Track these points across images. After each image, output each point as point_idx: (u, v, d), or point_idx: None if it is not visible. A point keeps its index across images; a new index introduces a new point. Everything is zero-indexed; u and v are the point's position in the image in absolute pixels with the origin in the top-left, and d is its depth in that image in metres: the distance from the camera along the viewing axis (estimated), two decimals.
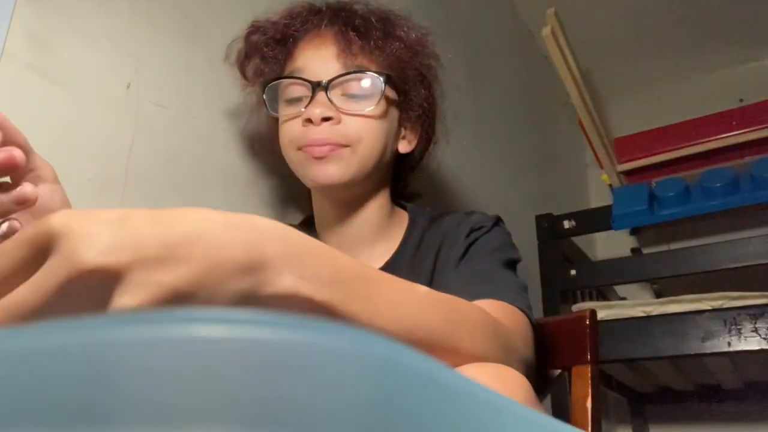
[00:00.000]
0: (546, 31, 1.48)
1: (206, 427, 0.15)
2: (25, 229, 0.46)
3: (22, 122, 0.64)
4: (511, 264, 0.70)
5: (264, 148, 0.89)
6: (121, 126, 0.74)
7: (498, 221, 0.75)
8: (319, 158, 0.69)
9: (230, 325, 0.16)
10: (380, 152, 0.73)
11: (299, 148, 0.71)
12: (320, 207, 0.80)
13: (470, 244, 0.71)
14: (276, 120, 0.77)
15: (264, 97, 0.75)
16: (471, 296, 0.61)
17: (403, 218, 0.80)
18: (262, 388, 0.16)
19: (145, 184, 0.76)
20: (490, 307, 0.59)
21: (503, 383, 0.43)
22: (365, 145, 0.70)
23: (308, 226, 0.83)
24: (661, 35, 2.11)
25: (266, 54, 0.77)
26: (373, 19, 0.74)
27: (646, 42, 2.15)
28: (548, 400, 1.38)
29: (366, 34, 0.72)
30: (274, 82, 0.75)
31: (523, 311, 0.62)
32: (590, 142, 1.83)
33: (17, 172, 0.46)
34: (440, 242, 0.74)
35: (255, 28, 0.79)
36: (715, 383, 1.83)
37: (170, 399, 0.15)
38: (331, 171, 0.70)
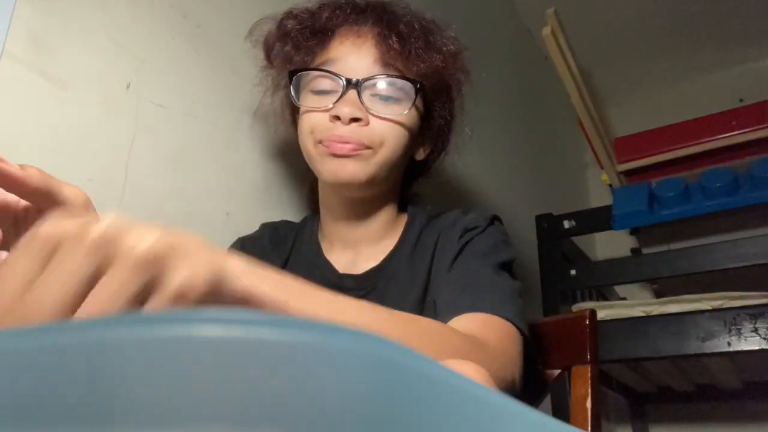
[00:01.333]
0: (546, 31, 1.48)
1: (206, 427, 0.15)
2: None
3: (22, 122, 0.65)
4: (504, 266, 0.70)
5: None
6: (121, 126, 0.74)
7: (493, 220, 0.75)
8: (340, 156, 0.69)
9: (230, 325, 0.16)
10: (400, 158, 0.73)
11: (319, 141, 0.71)
12: (328, 205, 0.79)
13: (464, 245, 0.71)
14: (294, 108, 0.77)
15: (291, 85, 0.74)
16: (457, 310, 0.61)
17: (404, 217, 0.80)
18: (262, 388, 0.16)
19: (145, 184, 0.76)
20: (472, 322, 0.59)
21: None
22: (387, 150, 0.70)
23: (312, 223, 0.83)
24: (661, 35, 2.11)
25: (300, 43, 0.76)
26: (416, 26, 0.74)
27: (646, 42, 2.15)
28: (548, 400, 1.37)
29: (407, 41, 0.72)
30: (304, 72, 0.74)
31: (509, 320, 0.61)
32: (590, 142, 1.83)
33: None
34: (436, 239, 0.74)
35: (291, 15, 0.78)
36: (715, 383, 1.82)
37: (170, 399, 0.15)
38: (351, 168, 0.69)
